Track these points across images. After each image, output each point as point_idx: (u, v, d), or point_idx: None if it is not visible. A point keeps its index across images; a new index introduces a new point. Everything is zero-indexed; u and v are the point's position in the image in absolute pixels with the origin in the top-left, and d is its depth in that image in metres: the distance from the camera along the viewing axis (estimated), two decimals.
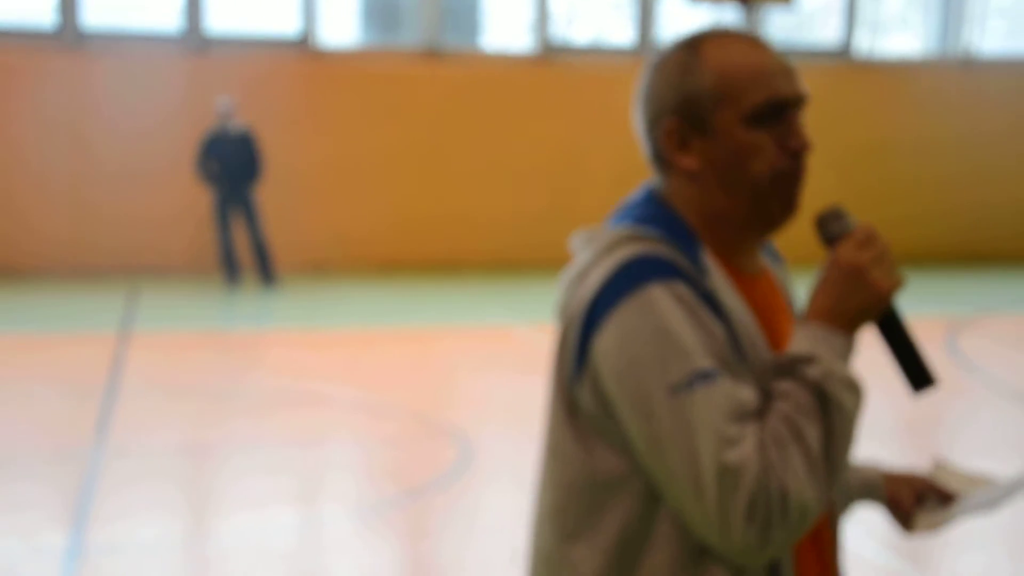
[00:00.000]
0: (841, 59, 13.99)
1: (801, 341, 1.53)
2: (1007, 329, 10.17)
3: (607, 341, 1.51)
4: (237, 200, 12.00)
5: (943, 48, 14.51)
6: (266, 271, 12.06)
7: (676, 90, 1.61)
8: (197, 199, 12.63)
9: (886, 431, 7.05)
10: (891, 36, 15.16)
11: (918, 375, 1.60)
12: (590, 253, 1.61)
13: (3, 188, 12.63)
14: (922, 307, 11.13)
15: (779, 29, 14.13)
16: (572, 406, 1.58)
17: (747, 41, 1.62)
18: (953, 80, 14.26)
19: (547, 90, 13.75)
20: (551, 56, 13.82)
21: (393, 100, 13.34)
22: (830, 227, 1.60)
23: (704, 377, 1.48)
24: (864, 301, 1.54)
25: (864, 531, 5.15)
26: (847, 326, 1.54)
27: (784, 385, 1.50)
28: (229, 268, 12.08)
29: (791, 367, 1.51)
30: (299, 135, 13.07)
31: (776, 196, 1.60)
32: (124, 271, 12.59)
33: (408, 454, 6.47)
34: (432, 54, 13.58)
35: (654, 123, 1.64)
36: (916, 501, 1.85)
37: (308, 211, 13.12)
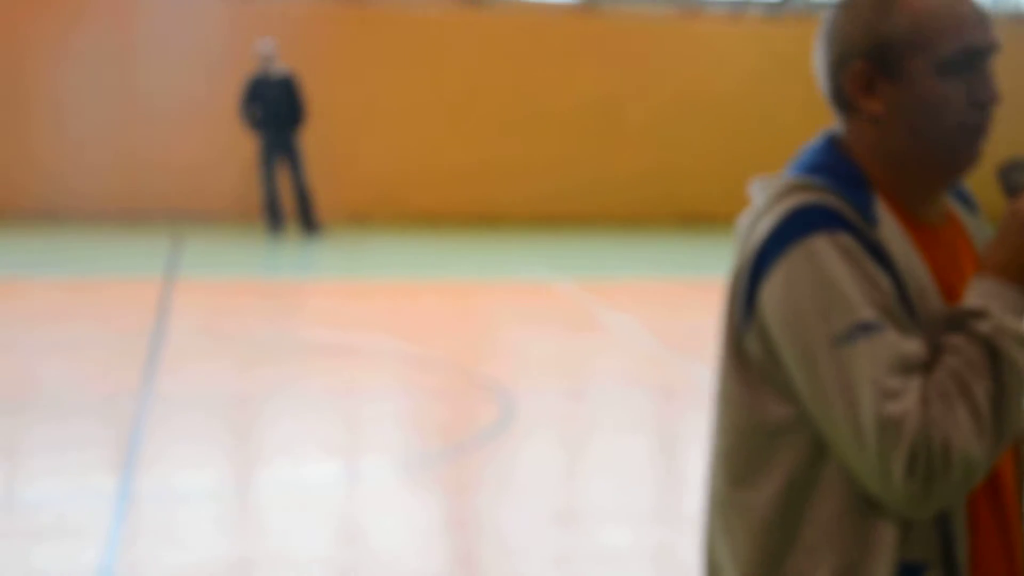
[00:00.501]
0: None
1: (974, 295, 1.52)
2: None
3: (772, 290, 1.53)
4: (281, 146, 12.02)
5: (996, 2, 14.30)
6: (308, 220, 12.11)
7: (868, 31, 1.58)
8: (241, 145, 12.70)
9: None
10: None
11: None
12: (762, 201, 1.61)
13: (48, 131, 12.74)
14: None
15: None
16: (741, 353, 1.59)
17: None
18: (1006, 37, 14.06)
19: (588, 40, 13.67)
20: (593, 5, 13.72)
21: (433, 47, 13.31)
22: (1012, 177, 1.58)
23: (866, 329, 1.48)
24: None
25: None
26: (1022, 281, 1.53)
27: (954, 339, 1.50)
28: (273, 216, 12.14)
29: (962, 321, 1.51)
30: (339, 82, 13.09)
31: (961, 147, 1.58)
32: (168, 216, 12.71)
33: (450, 408, 6.54)
34: (473, 1, 13.52)
35: (840, 64, 1.61)
36: None
37: (349, 160, 13.16)
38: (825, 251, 1.51)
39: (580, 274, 10.64)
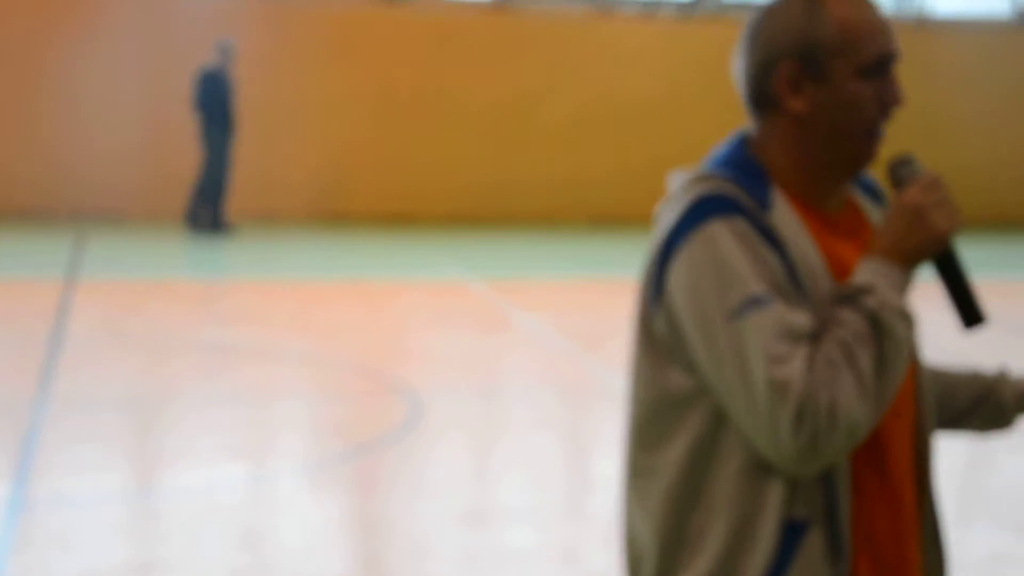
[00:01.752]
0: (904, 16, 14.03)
1: (862, 273, 1.67)
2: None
3: (677, 272, 1.68)
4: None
5: (899, 7, 14.57)
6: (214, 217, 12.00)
7: (797, 36, 1.72)
8: (155, 141, 12.46)
9: None
10: None
11: (970, 312, 1.73)
12: (673, 192, 1.76)
13: None
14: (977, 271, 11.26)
15: None
16: (650, 331, 1.73)
17: None
18: (908, 41, 14.34)
19: (502, 39, 13.66)
20: (506, 5, 13.71)
21: (348, 46, 13.20)
22: (899, 172, 1.74)
23: (756, 302, 1.63)
24: (923, 240, 1.69)
25: None
26: (906, 261, 1.68)
27: (842, 313, 1.64)
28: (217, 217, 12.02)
29: (850, 296, 1.65)
30: (253, 79, 12.91)
31: (864, 146, 1.74)
32: (74, 214, 12.42)
33: (356, 410, 6.47)
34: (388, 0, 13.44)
35: (767, 65, 1.74)
36: None
37: (259, 157, 13.00)
38: (720, 234, 1.66)
39: (492, 274, 10.61)
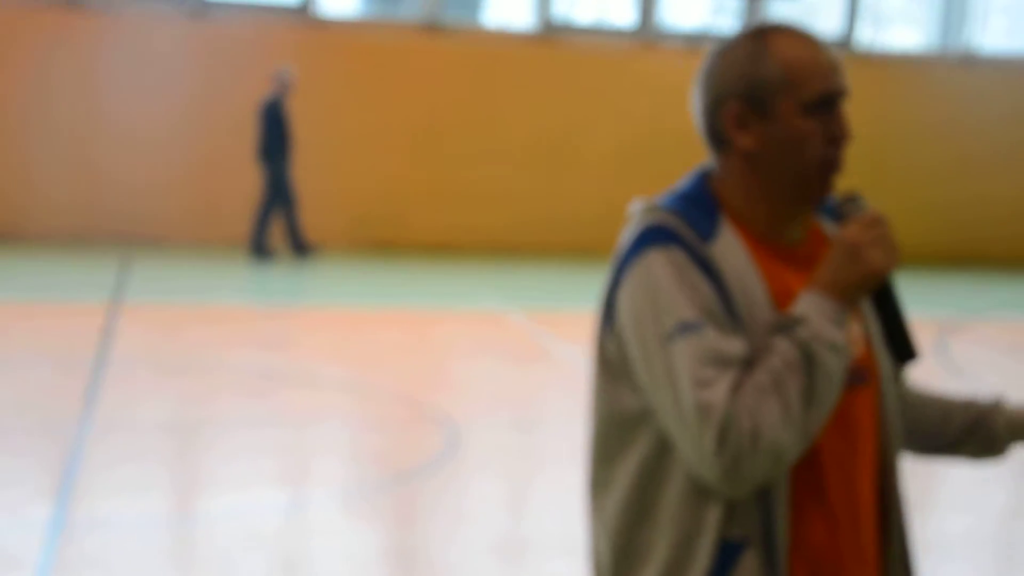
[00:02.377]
0: (843, 50, 13.97)
1: (800, 305, 1.73)
2: (998, 334, 10.19)
3: (622, 297, 1.78)
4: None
5: (944, 43, 14.50)
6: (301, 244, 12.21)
7: (743, 76, 1.80)
8: (195, 168, 12.59)
9: None
10: (893, 29, 15.13)
11: (903, 348, 1.81)
12: (630, 222, 1.86)
13: (6, 150, 12.58)
14: (914, 307, 11.16)
15: (781, 19, 14.12)
16: (602, 352, 1.83)
17: (806, 37, 1.83)
18: (953, 76, 14.25)
19: (547, 69, 13.71)
20: (552, 35, 13.77)
21: (392, 74, 13.29)
22: (844, 208, 1.82)
23: (688, 328, 1.71)
24: (860, 275, 1.74)
25: None
26: (842, 296, 1.73)
27: (777, 342, 1.71)
28: (301, 246, 12.14)
29: (785, 326, 1.72)
30: (299, 106, 13.03)
31: (818, 178, 1.81)
32: (119, 239, 12.56)
33: (394, 439, 6.48)
34: (432, 28, 13.53)
35: (717, 104, 1.82)
36: None
37: (305, 185, 13.09)
38: (657, 263, 1.75)
39: (532, 305, 10.62)
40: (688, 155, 13.13)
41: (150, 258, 11.96)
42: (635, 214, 1.85)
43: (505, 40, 13.86)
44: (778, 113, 1.79)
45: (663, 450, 1.77)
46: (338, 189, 13.15)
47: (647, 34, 13.90)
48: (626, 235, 1.83)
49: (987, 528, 5.48)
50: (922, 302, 11.49)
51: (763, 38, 1.82)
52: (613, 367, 1.81)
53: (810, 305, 1.72)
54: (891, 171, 14.04)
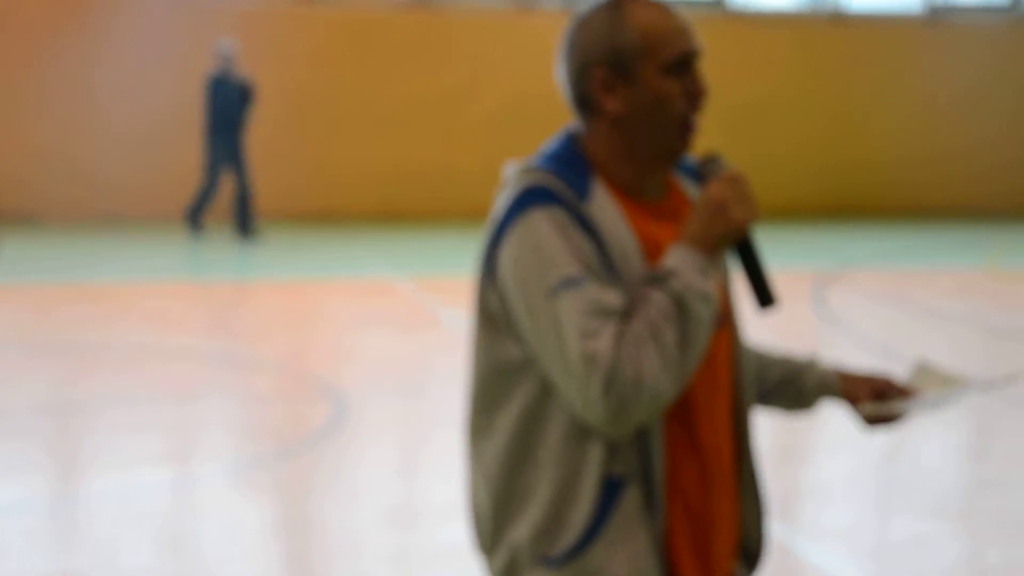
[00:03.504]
0: (716, 11, 14.13)
1: (670, 258, 1.85)
2: (871, 283, 10.46)
3: (504, 255, 1.87)
4: (231, 152, 11.71)
5: (815, 2, 14.77)
6: (248, 224, 11.87)
7: (604, 43, 1.91)
8: (74, 142, 12.23)
9: None
10: None
11: (763, 295, 1.95)
12: (506, 182, 1.95)
13: None
14: (790, 261, 11.39)
15: None
16: (483, 306, 1.92)
17: (658, 4, 1.94)
18: (824, 34, 14.52)
19: (424, 37, 13.61)
20: (428, 2, 13.66)
21: (266, 45, 13.06)
22: (706, 168, 1.94)
23: (570, 282, 1.81)
24: (724, 229, 1.87)
25: None
26: (709, 249, 1.86)
27: (651, 293, 1.83)
28: (197, 219, 11.87)
29: (658, 279, 1.84)
30: (169, 76, 12.74)
31: (680, 135, 1.93)
32: None
33: (281, 411, 6.40)
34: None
35: (582, 71, 1.93)
36: (875, 398, 2.16)
37: (186, 160, 12.82)
38: (540, 221, 1.84)
39: (419, 271, 10.58)
40: (567, 116, 13.14)
41: (22, 236, 11.60)
42: (512, 176, 1.93)
43: (384, 7, 13.71)
44: (640, 76, 1.90)
45: (544, 396, 1.88)
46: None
47: (526, 1, 13.88)
48: (505, 196, 1.91)
49: (866, 471, 5.64)
50: (800, 255, 11.74)
51: (619, 7, 1.92)
52: (495, 320, 1.91)
53: (680, 258, 1.84)
54: (768, 127, 14.29)
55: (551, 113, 13.74)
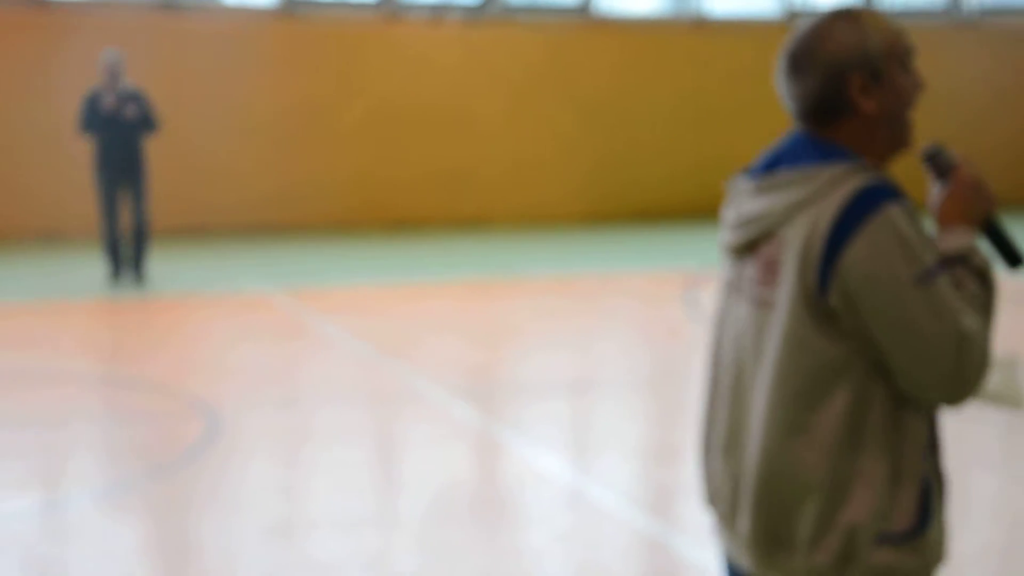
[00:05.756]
0: (581, 17, 14.30)
1: (955, 238, 2.08)
2: None
3: (857, 253, 1.98)
4: (129, 175, 10.23)
5: (678, 8, 15.04)
6: (141, 263, 10.49)
7: (858, 50, 2.08)
8: None
9: (630, 384, 7.32)
10: None
11: (1014, 257, 2.19)
12: (804, 189, 2.06)
13: None
14: (662, 262, 11.58)
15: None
16: (817, 306, 2.02)
17: (877, 10, 2.16)
18: (687, 39, 14.81)
19: (291, 45, 13.49)
20: (293, 10, 13.54)
21: (133, 55, 12.80)
22: (939, 158, 2.16)
23: (937, 268, 1.99)
24: (985, 206, 2.13)
25: (607, 486, 5.34)
26: (975, 224, 2.12)
27: (959, 272, 2.05)
28: (116, 257, 10.43)
29: (959, 259, 2.06)
30: (29, 92, 12.38)
31: (910, 129, 2.14)
32: None
33: (153, 431, 6.27)
34: (169, 7, 13.09)
35: (839, 78, 2.09)
36: None
37: (41, 173, 12.46)
38: (897, 216, 1.99)
39: (290, 282, 10.47)
40: (435, 126, 13.17)
41: None
42: (817, 181, 2.05)
43: (245, 17, 13.54)
44: (888, 75, 2.10)
45: (868, 389, 2.03)
46: (75, 175, 12.59)
47: (390, 7, 13.85)
48: (828, 199, 2.02)
49: None
50: (671, 255, 11.94)
51: (857, 17, 2.12)
52: (833, 320, 2.02)
53: (964, 238, 2.08)
54: (634, 131, 14.51)
55: (420, 121, 13.76)
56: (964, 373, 1.98)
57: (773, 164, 2.15)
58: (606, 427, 6.43)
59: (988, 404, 2.17)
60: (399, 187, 13.79)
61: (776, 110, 13.62)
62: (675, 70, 14.68)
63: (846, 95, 2.09)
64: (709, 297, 9.75)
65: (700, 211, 14.65)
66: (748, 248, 2.16)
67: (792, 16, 15.25)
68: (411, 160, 13.80)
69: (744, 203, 2.17)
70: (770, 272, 2.09)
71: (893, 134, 2.12)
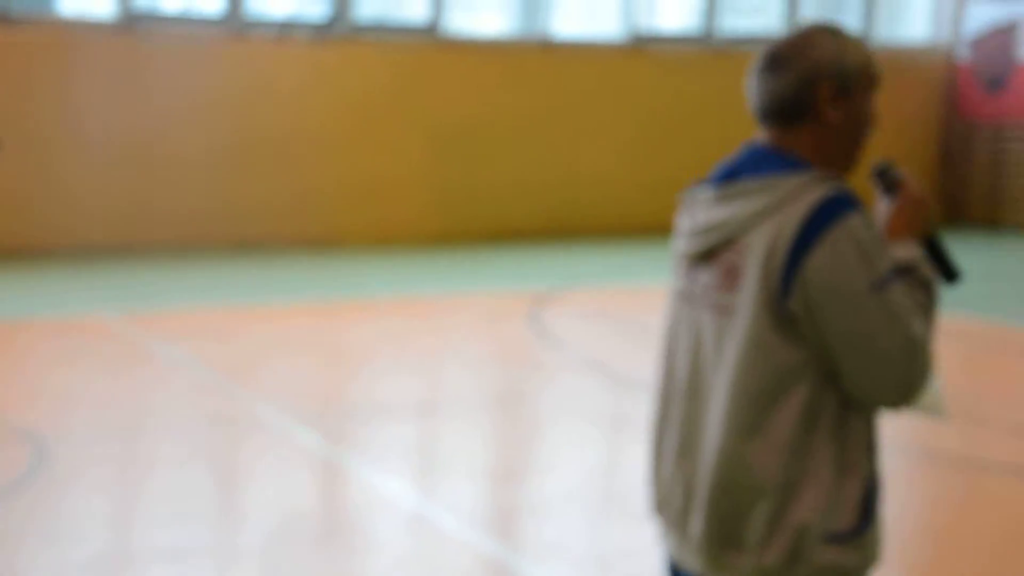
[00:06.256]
0: (429, 37, 14.31)
1: (903, 250, 2.20)
2: (584, 302, 10.80)
3: (819, 260, 2.07)
4: None
5: (525, 29, 15.18)
6: None
7: (835, 62, 2.20)
8: None
9: (476, 405, 7.31)
10: (481, 16, 15.65)
11: (951, 272, 2.33)
12: (766, 198, 2.14)
13: None
14: (507, 282, 11.62)
15: (369, 8, 14.23)
16: (779, 312, 2.11)
17: (856, 35, 2.29)
18: (533, 61, 14.95)
19: (130, 63, 13.14)
20: (134, 24, 13.21)
21: None
22: (888, 175, 2.30)
23: (891, 275, 2.10)
24: (926, 220, 2.26)
25: (449, 509, 5.30)
26: (918, 237, 2.26)
27: (905, 281, 2.15)
28: None
29: (907, 270, 2.17)
30: None
31: (863, 149, 2.26)
32: None
33: None
34: (2, 21, 12.63)
35: (811, 82, 2.20)
36: None
37: None
38: (857, 225, 2.09)
39: (131, 305, 10.16)
40: (280, 144, 12.95)
41: None
42: (781, 190, 2.13)
43: (83, 30, 13.15)
44: (856, 92, 2.22)
45: (820, 393, 2.12)
46: None
47: (236, 23, 13.64)
48: (792, 207, 2.11)
49: (585, 485, 5.79)
50: (517, 276, 12.00)
51: (838, 34, 2.24)
52: (793, 324, 2.10)
53: (911, 249, 2.21)
54: (482, 151, 14.56)
55: (267, 140, 13.55)
56: (911, 377, 2.08)
57: (732, 174, 2.22)
58: (450, 449, 6.39)
59: (913, 411, 2.29)
60: (245, 207, 13.55)
61: (622, 131, 13.94)
62: (523, 91, 14.79)
63: (814, 100, 2.20)
64: (554, 317, 9.81)
65: (548, 231, 14.77)
66: (707, 255, 2.21)
67: (637, 40, 15.54)
68: (257, 180, 13.57)
69: (703, 212, 2.22)
70: (731, 278, 2.16)
71: (847, 151, 2.23)
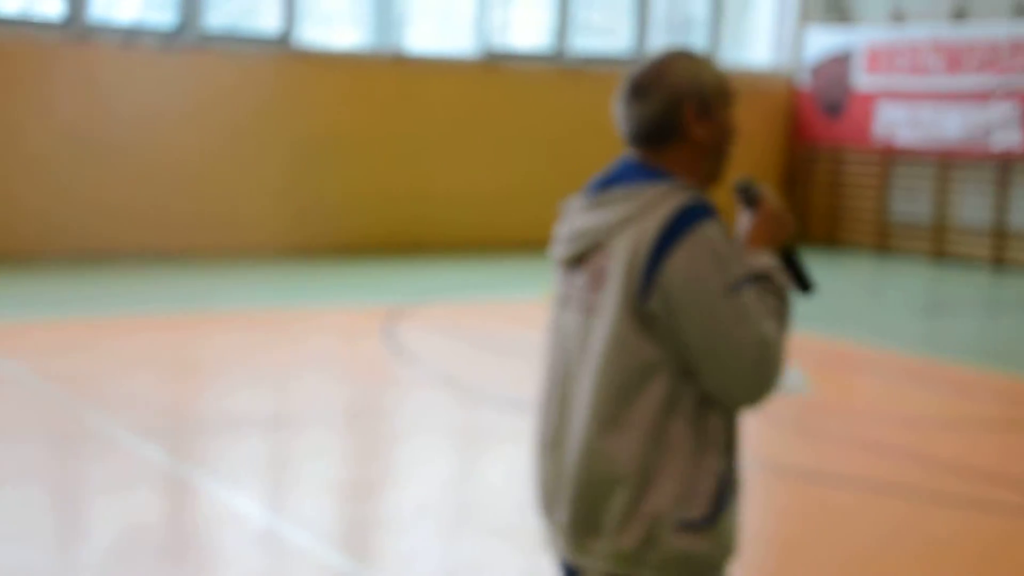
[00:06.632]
0: (282, 49, 14.13)
1: (760, 259, 2.35)
2: (437, 317, 10.77)
3: (676, 263, 2.20)
4: None
5: (379, 43, 15.12)
6: None
7: (694, 82, 2.35)
8: None
9: (328, 420, 7.21)
10: (335, 29, 15.52)
11: (806, 284, 2.47)
12: (631, 206, 2.28)
13: None
14: (362, 297, 11.52)
15: (219, 18, 13.98)
16: (639, 311, 2.24)
17: (707, 55, 2.46)
18: (385, 75, 14.90)
19: None
20: None
21: None
22: (750, 191, 2.44)
23: (744, 280, 2.23)
24: (785, 233, 2.43)
25: (299, 524, 5.21)
26: (776, 249, 2.41)
27: (760, 288, 2.29)
28: None
29: (761, 277, 2.31)
30: None
31: (726, 163, 2.41)
32: None
33: None
34: None
35: (676, 103, 2.34)
36: None
37: None
38: (711, 232, 2.23)
39: None
40: (128, 153, 12.62)
41: None
42: (644, 197, 2.27)
43: None
44: (716, 110, 2.37)
45: (677, 389, 2.24)
46: None
47: (79, 28, 13.23)
48: (654, 213, 2.24)
49: (435, 499, 5.76)
50: (371, 291, 11.91)
51: (694, 56, 2.38)
52: (652, 322, 2.23)
53: (768, 259, 2.35)
54: (334, 164, 14.43)
55: (112, 149, 13.16)
56: (763, 374, 2.22)
57: (606, 185, 2.36)
58: (302, 464, 6.28)
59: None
60: (89, 217, 13.13)
61: (475, 145, 14.09)
62: (376, 105, 14.71)
63: (680, 121, 2.34)
64: (408, 331, 9.77)
65: (403, 245, 14.72)
66: (579, 259, 2.36)
67: (491, 57, 15.62)
68: (102, 189, 13.17)
69: (578, 219, 2.37)
70: (597, 280, 2.30)
71: (712, 165, 2.38)
